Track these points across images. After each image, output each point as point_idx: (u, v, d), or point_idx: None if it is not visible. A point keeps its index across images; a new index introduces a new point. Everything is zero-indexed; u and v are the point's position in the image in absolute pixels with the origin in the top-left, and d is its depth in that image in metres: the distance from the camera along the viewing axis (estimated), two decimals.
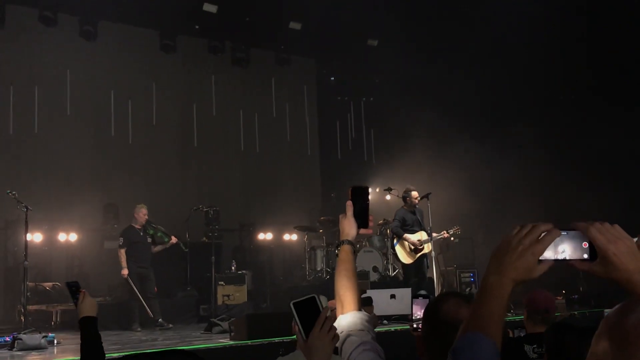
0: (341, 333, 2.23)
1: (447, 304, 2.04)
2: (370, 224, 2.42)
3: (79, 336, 3.23)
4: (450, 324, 1.93)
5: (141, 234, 10.90)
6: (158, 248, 11.20)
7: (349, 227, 2.38)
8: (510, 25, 12.17)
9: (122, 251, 10.58)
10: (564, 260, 1.37)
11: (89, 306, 3.26)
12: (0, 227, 12.61)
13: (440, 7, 13.20)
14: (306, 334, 2.01)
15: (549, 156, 13.15)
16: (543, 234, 1.35)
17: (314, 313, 2.02)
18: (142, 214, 10.90)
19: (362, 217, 2.38)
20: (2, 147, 13.16)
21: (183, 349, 1.69)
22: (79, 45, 13.92)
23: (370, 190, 2.47)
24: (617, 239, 1.34)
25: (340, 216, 2.42)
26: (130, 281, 10.50)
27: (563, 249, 1.37)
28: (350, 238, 2.37)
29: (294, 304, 2.01)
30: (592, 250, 1.36)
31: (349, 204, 2.39)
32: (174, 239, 11.29)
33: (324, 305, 3.39)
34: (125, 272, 10.47)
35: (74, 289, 3.32)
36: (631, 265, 1.33)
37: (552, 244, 1.36)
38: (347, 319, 2.25)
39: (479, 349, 1.34)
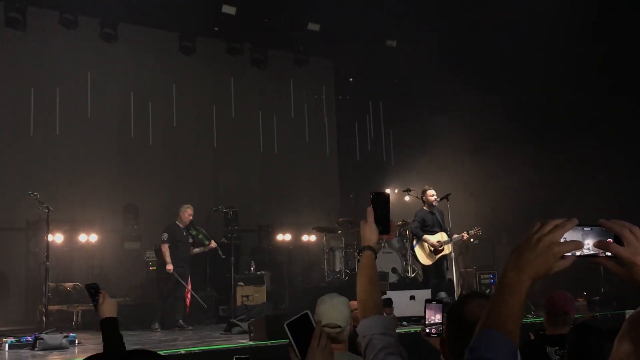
0: (364, 337, 2.24)
1: (470, 305, 2.03)
2: (392, 229, 2.42)
3: (100, 336, 3.25)
4: (475, 325, 1.92)
5: (184, 233, 10.98)
6: (196, 250, 11.29)
7: (370, 233, 2.40)
8: (533, 25, 12.11)
9: (166, 246, 10.64)
10: (588, 256, 1.34)
11: (109, 307, 3.27)
12: (22, 227, 12.74)
13: (460, 8, 13.13)
14: (300, 351, 1.99)
15: (571, 157, 13.03)
16: (565, 237, 1.32)
17: (308, 330, 2.01)
18: (187, 214, 10.96)
19: (383, 223, 2.40)
20: (24, 148, 13.28)
21: (147, 350, 1.69)
22: (99, 48, 14.03)
23: (389, 192, 2.47)
24: None
25: (362, 222, 2.44)
26: (176, 275, 10.56)
27: (587, 245, 1.34)
28: (371, 244, 2.38)
29: (287, 324, 2.00)
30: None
31: (370, 210, 2.41)
32: (213, 244, 11.37)
33: (345, 308, 3.40)
34: (170, 267, 10.50)
35: (92, 291, 3.31)
36: None
37: (576, 238, 1.33)
38: (369, 323, 2.25)
39: (497, 346, 1.31)
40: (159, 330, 10.29)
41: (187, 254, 10.99)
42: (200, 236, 11.23)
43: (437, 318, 2.79)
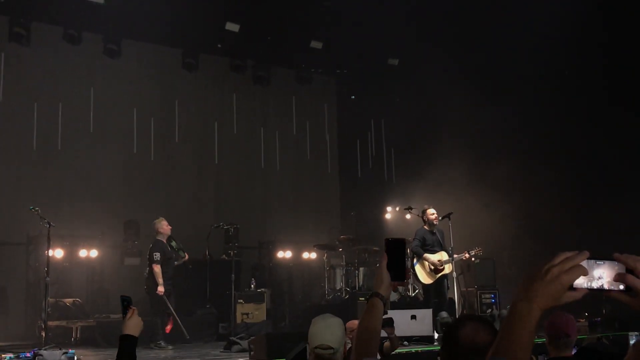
0: None
1: (465, 329, 2.04)
2: (407, 276, 2.38)
3: (100, 352, 3.24)
4: (469, 348, 1.94)
5: (169, 249, 10.59)
6: (176, 263, 10.88)
7: (379, 280, 2.35)
8: (534, 47, 12.13)
9: (159, 267, 10.15)
10: (600, 289, 1.35)
11: (134, 325, 3.26)
12: (23, 242, 12.71)
13: (463, 28, 13.18)
14: None
15: (571, 178, 13.01)
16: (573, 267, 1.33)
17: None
18: (165, 225, 10.56)
19: (397, 269, 2.34)
20: (26, 163, 13.30)
21: None
22: (102, 63, 14.10)
23: (404, 241, 2.42)
24: None
25: (376, 267, 2.42)
26: (165, 299, 10.17)
27: (600, 276, 1.35)
28: (380, 290, 2.34)
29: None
30: None
31: (384, 255, 2.36)
32: (186, 255, 11.01)
33: (338, 330, 3.38)
34: (162, 289, 10.06)
35: (125, 304, 3.34)
36: None
37: (587, 271, 1.34)
38: None
39: None
40: (166, 347, 10.03)
41: (172, 270, 10.64)
42: (179, 250, 10.83)
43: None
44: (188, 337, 10.54)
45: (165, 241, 10.57)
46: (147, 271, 10.37)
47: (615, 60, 12.34)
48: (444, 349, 2.08)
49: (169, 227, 10.63)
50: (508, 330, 1.37)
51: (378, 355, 2.41)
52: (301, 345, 2.09)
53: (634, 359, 1.35)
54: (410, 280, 12.24)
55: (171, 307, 10.30)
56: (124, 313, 3.29)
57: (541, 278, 1.34)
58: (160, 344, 10.04)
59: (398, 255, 2.35)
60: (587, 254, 1.34)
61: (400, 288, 12.12)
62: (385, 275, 2.34)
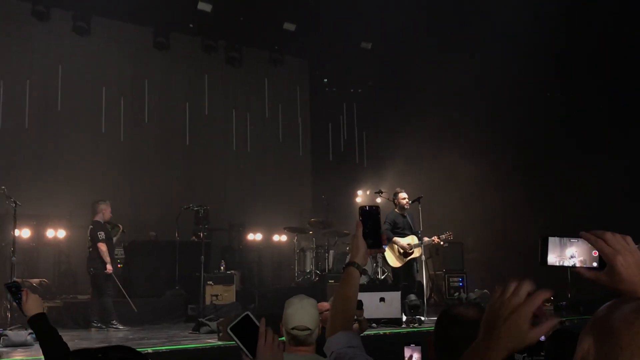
0: (330, 354, 2.24)
1: (458, 307, 2.13)
2: (383, 241, 2.36)
3: (66, 333, 3.16)
4: (457, 321, 2.03)
5: (108, 229, 10.38)
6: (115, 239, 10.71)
7: (356, 249, 2.30)
8: (507, 31, 12.17)
9: (105, 245, 9.90)
10: (572, 267, 1.36)
11: (34, 304, 3.14)
12: None
13: (436, 13, 13.19)
14: (250, 352, 2.00)
15: (542, 161, 13.15)
16: (528, 294, 1.28)
17: (253, 329, 2.03)
18: (108, 211, 10.31)
19: (373, 236, 2.31)
20: None
21: (124, 345, 1.70)
22: (71, 41, 13.87)
23: (379, 204, 2.42)
24: (627, 250, 1.33)
25: (351, 236, 2.37)
26: (114, 277, 10.10)
27: (572, 254, 1.36)
28: (357, 260, 2.29)
29: (231, 328, 2.01)
30: (602, 259, 1.35)
31: (358, 223, 2.32)
32: (120, 226, 10.85)
33: (314, 310, 3.38)
34: (110, 268, 9.86)
35: (14, 290, 3.14)
36: (637, 278, 1.32)
37: (559, 249, 1.35)
38: (334, 339, 2.25)
39: None
40: (120, 327, 9.92)
41: (114, 250, 10.54)
42: (112, 228, 10.60)
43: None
44: (136, 310, 10.49)
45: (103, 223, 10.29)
46: (89, 252, 10.08)
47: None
48: (436, 326, 2.13)
49: (110, 214, 10.40)
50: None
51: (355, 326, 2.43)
52: (243, 314, 2.07)
53: (590, 329, 1.34)
54: (380, 263, 12.32)
55: (121, 286, 10.20)
56: (17, 299, 3.11)
57: (500, 317, 1.27)
58: (114, 324, 9.89)
59: (373, 222, 2.33)
60: (531, 284, 1.28)
61: (369, 271, 12.20)
62: (362, 244, 2.29)
